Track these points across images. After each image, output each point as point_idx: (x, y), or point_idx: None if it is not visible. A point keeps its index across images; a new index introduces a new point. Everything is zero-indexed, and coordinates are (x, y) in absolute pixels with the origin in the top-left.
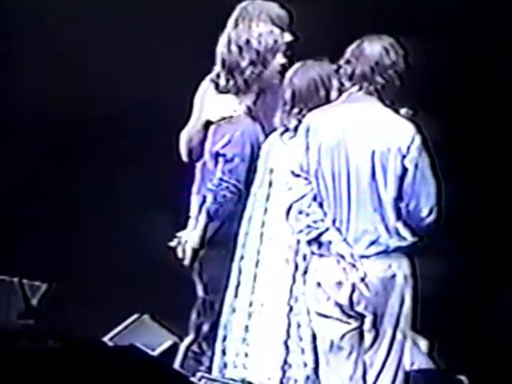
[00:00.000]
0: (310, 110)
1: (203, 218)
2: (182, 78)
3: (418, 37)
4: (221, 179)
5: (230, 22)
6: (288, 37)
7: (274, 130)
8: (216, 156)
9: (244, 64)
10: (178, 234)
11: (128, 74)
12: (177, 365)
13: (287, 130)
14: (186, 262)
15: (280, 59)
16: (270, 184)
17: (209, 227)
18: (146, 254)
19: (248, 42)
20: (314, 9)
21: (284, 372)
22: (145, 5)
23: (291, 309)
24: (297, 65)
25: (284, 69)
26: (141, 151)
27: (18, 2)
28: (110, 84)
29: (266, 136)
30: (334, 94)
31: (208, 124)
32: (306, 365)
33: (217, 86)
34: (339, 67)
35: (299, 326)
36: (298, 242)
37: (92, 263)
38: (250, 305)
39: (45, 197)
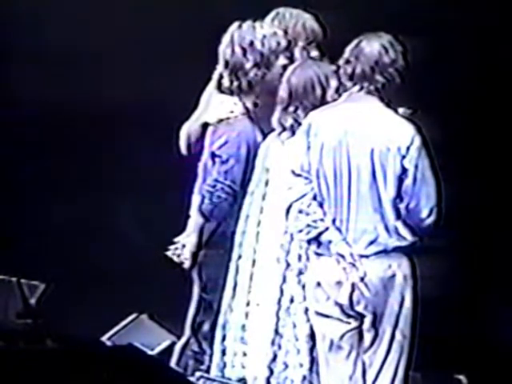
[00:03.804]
0: (305, 108)
1: (199, 218)
2: (183, 75)
3: (417, 36)
4: (216, 180)
5: (265, 25)
6: (315, 52)
7: (273, 130)
8: (213, 157)
9: (248, 66)
10: (176, 239)
11: (128, 72)
12: (173, 364)
13: (284, 129)
14: (186, 265)
15: (282, 61)
16: (267, 183)
17: (205, 228)
18: (144, 253)
19: (252, 43)
20: (314, 8)
21: (274, 372)
22: (145, 2)
23: (280, 308)
24: (295, 63)
25: (285, 70)
26: (141, 149)
27: (18, 1)
28: (110, 82)
29: (265, 137)
30: (330, 94)
31: (206, 125)
32: (301, 365)
33: (219, 86)
34: (339, 67)
35: (295, 326)
36: (290, 241)
37: (90, 263)
38: (247, 304)
39: (43, 196)
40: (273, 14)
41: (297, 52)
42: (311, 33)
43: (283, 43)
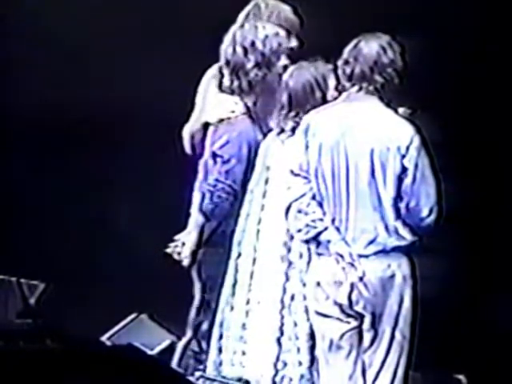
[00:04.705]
0: (307, 112)
1: (199, 217)
2: (183, 74)
3: (417, 36)
4: (217, 180)
5: (239, 19)
6: (294, 42)
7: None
8: (214, 156)
9: (249, 66)
10: (176, 237)
11: (128, 72)
12: (174, 364)
13: (283, 130)
14: (185, 263)
15: (283, 61)
16: (267, 181)
17: (206, 227)
18: (144, 253)
19: (253, 43)
20: (313, 8)
21: (279, 370)
22: (145, 2)
23: (284, 306)
24: (292, 67)
25: (286, 71)
26: (141, 149)
27: (18, 3)
28: (110, 82)
29: (265, 136)
30: (330, 95)
31: (207, 125)
32: (301, 363)
33: (220, 85)
34: (336, 67)
35: (295, 324)
36: (292, 239)
37: (90, 262)
38: (247, 302)
39: (44, 196)
40: (251, 5)
41: (274, 41)
42: (287, 22)
43: (285, 44)
